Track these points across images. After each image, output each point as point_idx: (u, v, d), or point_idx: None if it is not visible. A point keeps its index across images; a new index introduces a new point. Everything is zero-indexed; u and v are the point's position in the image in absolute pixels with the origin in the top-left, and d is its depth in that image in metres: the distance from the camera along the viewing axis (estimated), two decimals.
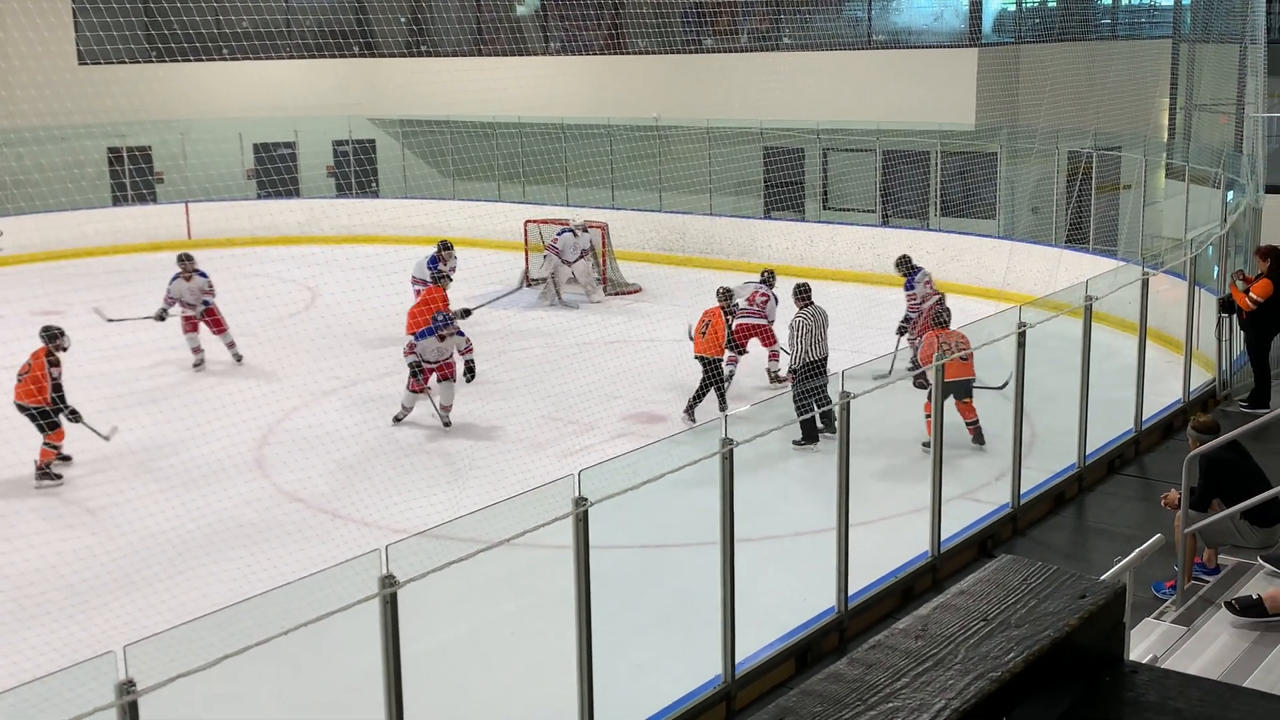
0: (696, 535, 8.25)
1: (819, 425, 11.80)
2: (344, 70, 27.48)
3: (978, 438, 11.68)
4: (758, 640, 7.35)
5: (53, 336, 12.14)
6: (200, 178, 25.58)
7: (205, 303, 16.13)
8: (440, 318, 13.36)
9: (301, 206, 26.27)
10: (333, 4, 29.34)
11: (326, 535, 10.09)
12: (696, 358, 13.26)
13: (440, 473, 11.72)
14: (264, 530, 10.34)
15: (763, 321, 14.64)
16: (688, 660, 7.30)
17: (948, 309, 12.59)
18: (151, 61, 26.64)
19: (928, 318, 12.95)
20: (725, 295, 13.78)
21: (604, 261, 20.28)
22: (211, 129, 26.49)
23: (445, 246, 17.72)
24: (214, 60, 26.50)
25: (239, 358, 16.10)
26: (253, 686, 7.02)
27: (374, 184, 28.05)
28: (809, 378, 12.00)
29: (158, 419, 13.08)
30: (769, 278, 15.16)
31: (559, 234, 19.85)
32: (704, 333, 13.21)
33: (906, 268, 14.91)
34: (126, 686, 4.27)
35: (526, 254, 20.92)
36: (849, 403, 7.68)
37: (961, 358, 10.92)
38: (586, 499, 5.90)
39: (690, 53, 24.45)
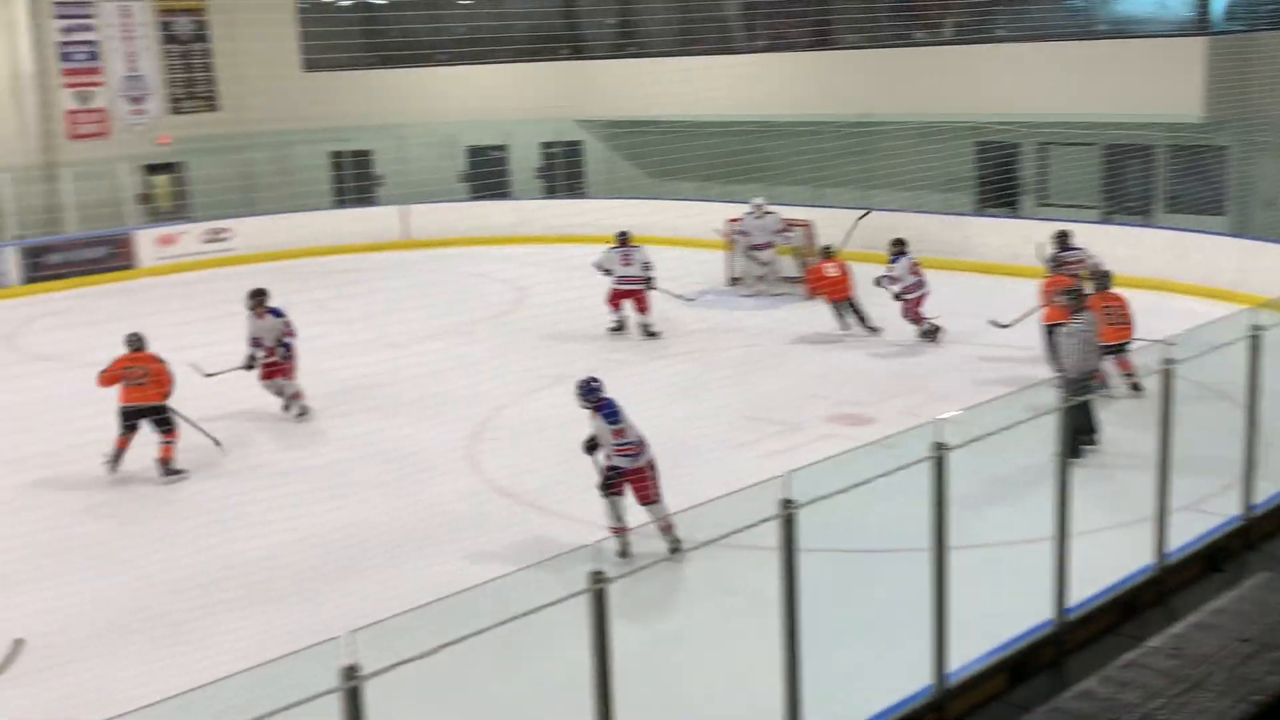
0: (904, 540, 8.10)
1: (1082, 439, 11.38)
2: (553, 74, 28.01)
3: (1136, 389, 12.78)
4: (968, 651, 7.16)
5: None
6: (417, 180, 26.50)
7: (286, 344, 14.24)
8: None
9: (512, 208, 26.89)
10: (543, 9, 29.95)
11: (534, 530, 10.31)
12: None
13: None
14: (475, 523, 10.63)
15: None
16: (896, 668, 7.17)
17: (1107, 273, 13.60)
18: (372, 68, 27.73)
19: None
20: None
21: (808, 260, 20.13)
22: (428, 133, 27.38)
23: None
24: (431, 66, 27.40)
25: (301, 411, 14.06)
26: (465, 677, 7.20)
27: (581, 185, 28.54)
28: (1079, 390, 11.50)
29: (374, 414, 13.60)
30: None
31: (745, 214, 20.09)
32: None
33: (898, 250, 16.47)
34: (350, 672, 4.44)
35: (732, 254, 20.93)
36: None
37: (1115, 323, 12.73)
38: (793, 501, 5.85)
39: (900, 46, 24.05)
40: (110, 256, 23.98)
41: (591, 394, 9.72)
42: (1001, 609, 8.04)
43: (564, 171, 28.53)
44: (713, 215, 21.87)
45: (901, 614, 7.87)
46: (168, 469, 11.99)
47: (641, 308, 17.28)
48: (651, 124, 26.24)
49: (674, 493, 10.65)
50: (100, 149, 25.54)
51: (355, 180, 27.57)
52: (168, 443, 12.05)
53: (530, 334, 17.43)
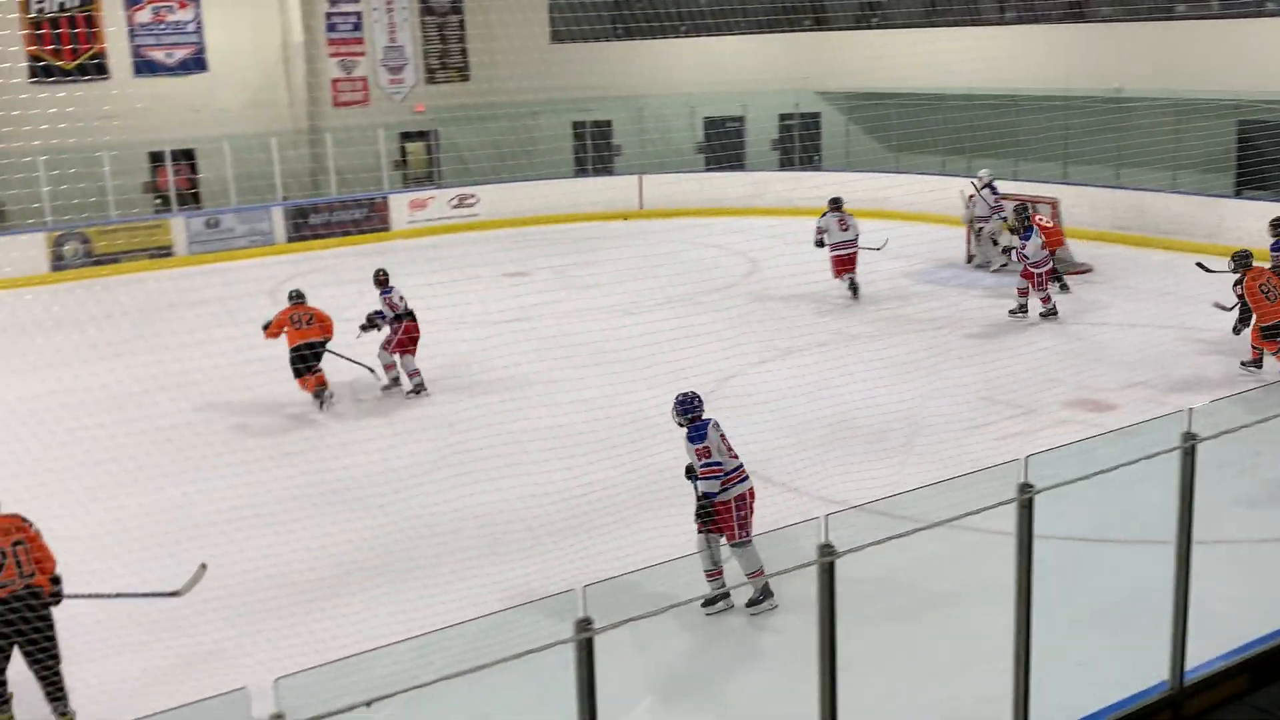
0: (1144, 532, 7.75)
1: None
2: (794, 45, 27.77)
3: None
4: (1207, 649, 6.81)
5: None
6: (654, 151, 26.75)
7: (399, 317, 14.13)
8: None
9: (746, 179, 26.85)
10: None
11: (759, 499, 10.30)
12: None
13: (868, 448, 11.64)
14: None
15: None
16: (1130, 662, 6.89)
17: None
18: (615, 40, 28.06)
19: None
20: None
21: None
22: (666, 104, 27.58)
23: None
24: (671, 38, 27.55)
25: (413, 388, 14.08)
26: (693, 638, 7.28)
27: (817, 157, 28.24)
28: None
29: (606, 378, 13.82)
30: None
31: (980, 187, 19.57)
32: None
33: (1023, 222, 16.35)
34: (584, 624, 4.55)
35: (969, 231, 20.38)
36: None
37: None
38: (1032, 485, 5.67)
39: (1159, 20, 22.84)
40: (366, 218, 25.12)
41: (684, 410, 8.73)
42: (1244, 609, 7.62)
43: (800, 143, 28.29)
44: (954, 189, 21.31)
45: (1138, 607, 7.56)
46: (318, 395, 13.50)
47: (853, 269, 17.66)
48: (893, 96, 25.72)
49: (907, 471, 10.51)
50: (360, 116, 26.75)
51: (595, 150, 28.02)
52: (319, 372, 13.55)
53: (761, 306, 17.40)
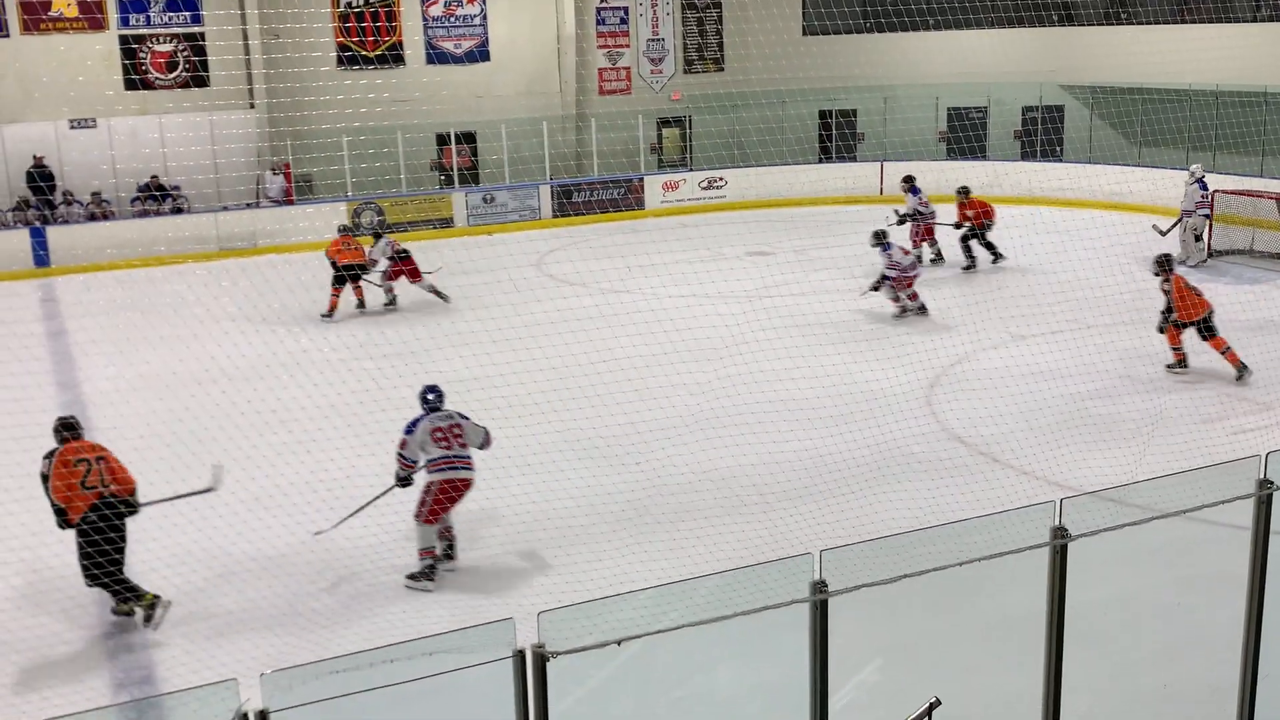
0: None
1: None
2: (1040, 38, 26.63)
3: None
4: None
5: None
6: (896, 140, 26.16)
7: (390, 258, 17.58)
8: None
9: (986, 168, 25.93)
10: None
11: (989, 478, 10.03)
12: None
13: (1100, 436, 11.14)
14: (930, 465, 10.50)
15: None
16: None
17: None
18: (865, 32, 27.56)
19: None
20: None
21: None
22: (911, 94, 26.92)
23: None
24: (919, 30, 26.85)
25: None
26: (922, 610, 7.15)
27: (1058, 148, 27.06)
28: None
29: (841, 353, 13.66)
30: None
31: (1191, 182, 18.64)
32: None
33: None
34: (819, 586, 4.54)
35: (1211, 224, 19.15)
36: None
37: None
38: (1272, 481, 5.32)
39: None
40: (624, 197, 25.54)
41: (422, 399, 9.15)
42: None
43: (1043, 135, 27.14)
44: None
45: None
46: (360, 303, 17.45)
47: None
48: (1139, 91, 24.36)
49: (1143, 461, 10.03)
50: (622, 103, 27.18)
51: (840, 137, 27.63)
52: (359, 287, 17.51)
53: (996, 292, 16.84)
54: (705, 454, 10.65)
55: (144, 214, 22.63)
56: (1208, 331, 12.62)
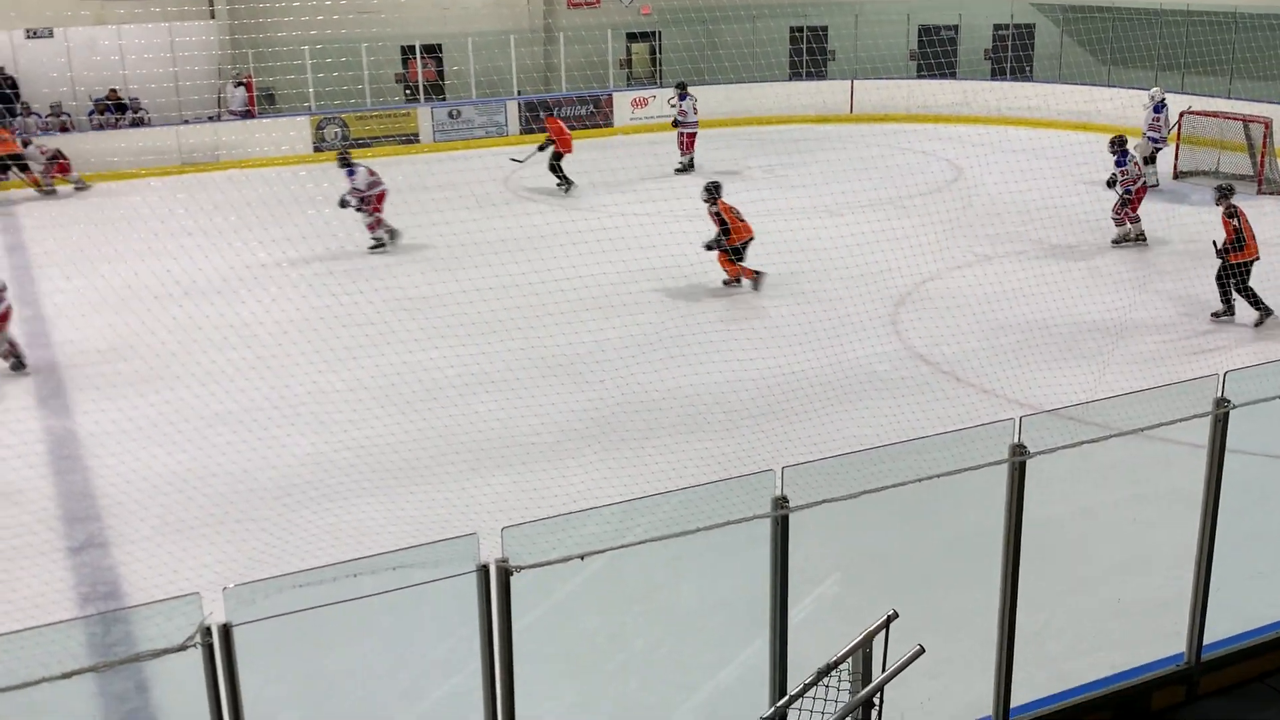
0: None
1: None
2: None
3: None
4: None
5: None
6: (867, 57, 25.93)
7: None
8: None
9: (956, 88, 25.81)
10: None
11: (951, 396, 10.12)
12: None
13: (1060, 356, 11.24)
14: (894, 384, 10.57)
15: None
16: None
17: None
18: None
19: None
20: None
21: (1263, 159, 18.12)
22: (882, 10, 26.65)
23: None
24: None
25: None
26: (882, 526, 7.23)
27: (1028, 68, 26.92)
28: None
29: (808, 275, 13.67)
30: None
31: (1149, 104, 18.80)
32: None
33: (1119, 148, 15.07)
34: (780, 502, 4.58)
35: (1178, 146, 19.18)
36: None
37: None
38: (1229, 400, 5.39)
39: None
40: (592, 114, 25.23)
41: None
42: None
43: (1013, 54, 26.98)
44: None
45: None
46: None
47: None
48: (1109, 10, 24.21)
49: (1103, 380, 10.13)
50: (590, 17, 26.70)
51: (810, 54, 27.34)
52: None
53: (963, 212, 16.83)
54: (670, 373, 10.67)
55: (103, 127, 22.17)
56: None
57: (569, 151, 19.38)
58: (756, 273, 13.60)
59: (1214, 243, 12.27)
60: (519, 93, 25.10)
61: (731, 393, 10.29)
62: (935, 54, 26.03)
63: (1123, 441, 5.57)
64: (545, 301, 12.61)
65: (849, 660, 4.34)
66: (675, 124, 21.34)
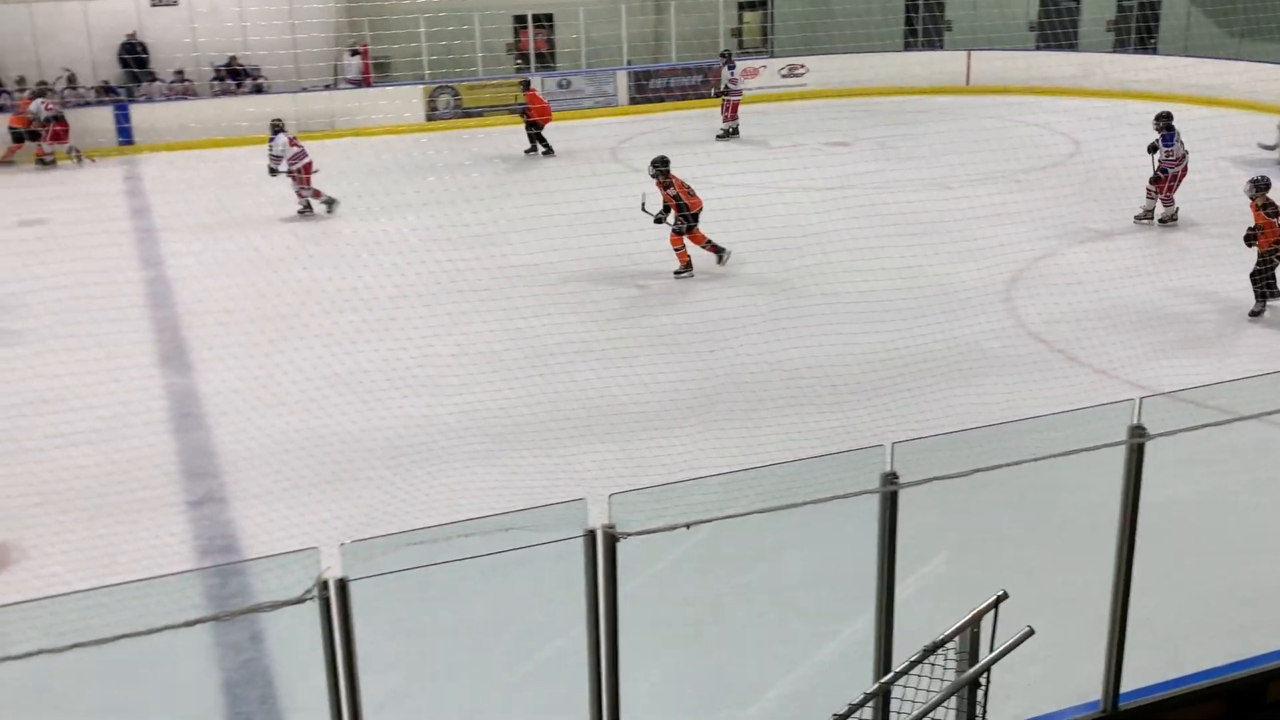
0: None
1: None
2: None
3: None
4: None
5: None
6: (986, 27, 25.34)
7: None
8: None
9: (1076, 60, 25.10)
10: None
11: (1065, 376, 9.90)
12: None
13: (1181, 337, 10.91)
14: (1006, 362, 10.37)
15: None
16: None
17: None
18: None
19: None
20: None
21: None
22: None
23: None
24: None
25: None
26: (993, 505, 7.13)
27: (1153, 41, 26.04)
28: None
29: (918, 249, 13.45)
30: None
31: None
32: None
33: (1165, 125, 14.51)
34: (890, 478, 4.53)
35: None
36: None
37: None
38: None
39: None
40: (701, 84, 25.11)
41: None
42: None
43: (1137, 25, 26.11)
44: None
45: None
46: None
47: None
48: None
49: (1224, 364, 9.82)
50: None
51: (926, 24, 26.82)
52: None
53: (1081, 188, 16.41)
54: (778, 346, 10.61)
55: (224, 93, 22.75)
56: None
57: (548, 121, 20.40)
58: (719, 248, 13.35)
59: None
60: (628, 63, 25.08)
61: (840, 368, 10.18)
62: (1057, 25, 25.31)
63: (1244, 426, 5.40)
64: (650, 271, 12.64)
65: (956, 639, 4.30)
66: (726, 91, 21.39)
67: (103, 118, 21.37)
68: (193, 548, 7.73)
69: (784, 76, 25.57)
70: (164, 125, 21.40)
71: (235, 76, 22.99)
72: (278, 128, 16.53)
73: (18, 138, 20.31)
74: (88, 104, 21.71)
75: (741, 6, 27.15)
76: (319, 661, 4.11)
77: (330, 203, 16.37)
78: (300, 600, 3.90)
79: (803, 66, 25.47)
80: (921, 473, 4.69)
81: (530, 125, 20.29)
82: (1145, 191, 14.71)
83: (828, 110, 23.10)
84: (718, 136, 21.22)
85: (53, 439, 9.08)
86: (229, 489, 8.47)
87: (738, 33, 27.19)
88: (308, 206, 16.37)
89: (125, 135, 21.44)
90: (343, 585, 3.93)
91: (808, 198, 14.50)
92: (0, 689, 3.76)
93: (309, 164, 16.29)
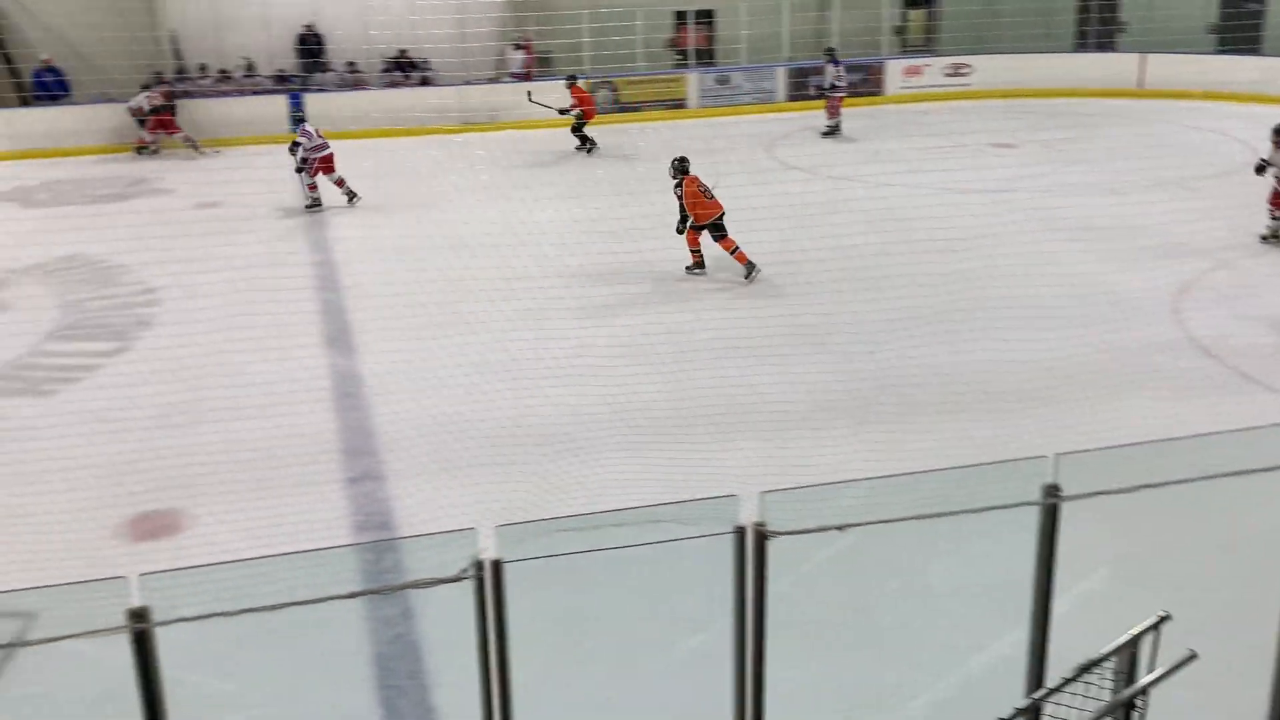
0: None
1: None
2: None
3: None
4: None
5: None
6: (1161, 29, 24.37)
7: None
8: None
9: (1258, 65, 23.93)
10: None
11: (1234, 395, 9.47)
12: None
13: None
14: (1172, 377, 9.97)
15: None
16: None
17: None
18: None
19: None
20: None
21: None
22: None
23: None
24: None
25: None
26: (1158, 524, 6.87)
27: None
28: None
29: (1086, 255, 13.04)
30: None
31: None
32: None
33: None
34: (1051, 490, 4.42)
35: None
36: None
37: None
38: None
39: None
40: (862, 82, 24.77)
41: None
42: None
43: None
44: None
45: None
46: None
47: None
48: None
49: None
50: None
51: (1099, 24, 25.92)
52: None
53: (1258, 196, 15.66)
54: (932, 350, 10.42)
55: (393, 85, 23.42)
56: None
57: (592, 117, 20.24)
58: (750, 264, 12.76)
59: None
60: (789, 59, 24.92)
61: (996, 375, 9.94)
62: (1239, 27, 24.18)
63: None
64: (802, 270, 12.54)
65: (1113, 659, 4.16)
66: (833, 88, 21.14)
67: (277, 106, 22.21)
68: (350, 523, 7.99)
69: (947, 76, 25.03)
70: (335, 114, 22.12)
71: (403, 68, 23.64)
72: (299, 119, 17.52)
73: (164, 127, 21.29)
74: (265, 92, 22.60)
75: (907, 3, 26.68)
76: (466, 641, 4.21)
77: (351, 195, 16.82)
78: (456, 579, 4.00)
79: (968, 66, 24.90)
80: (1082, 487, 4.55)
81: (577, 122, 20.22)
82: (1267, 211, 13.75)
83: (992, 111, 22.53)
84: (822, 134, 21.06)
85: (224, 412, 9.53)
86: (385, 468, 8.73)
87: (902, 30, 26.75)
88: (315, 202, 16.72)
89: (298, 124, 22.21)
90: (497, 566, 4.01)
91: (970, 200, 14.19)
92: (167, 647, 3.94)
93: (329, 156, 16.70)
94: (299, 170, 16.74)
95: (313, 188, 16.72)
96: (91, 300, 12.80)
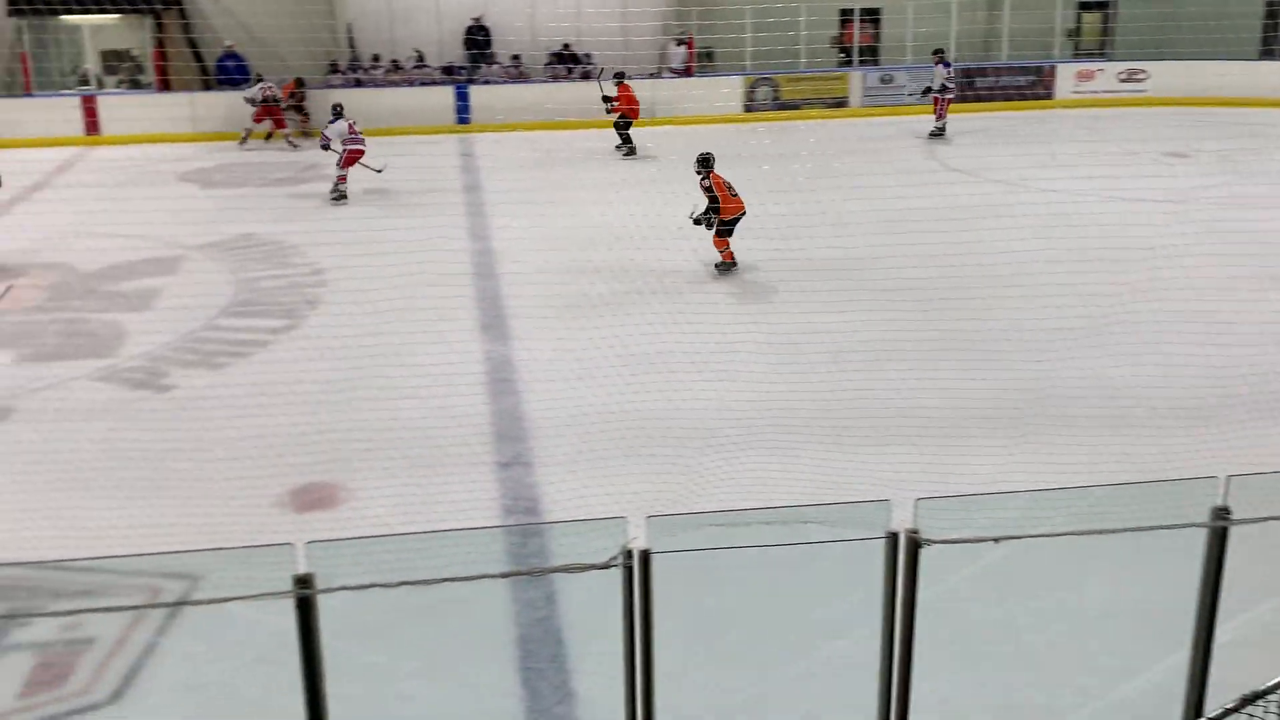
0: None
1: None
2: None
3: None
4: None
5: None
6: None
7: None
8: None
9: None
10: None
11: None
12: None
13: None
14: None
15: None
16: None
17: None
18: None
19: None
20: None
21: None
22: None
23: None
24: None
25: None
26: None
27: None
28: None
29: (1265, 272, 12.45)
30: None
31: None
32: None
33: None
34: (1220, 512, 4.24)
35: None
36: None
37: None
38: None
39: None
40: (1032, 85, 24.15)
41: None
42: None
43: None
44: None
45: None
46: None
47: None
48: None
49: None
50: None
51: None
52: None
53: None
54: (1094, 363, 10.10)
55: (555, 78, 23.76)
56: None
57: (636, 116, 20.11)
58: (730, 259, 12.87)
59: None
60: (956, 59, 24.42)
61: (1163, 392, 9.57)
62: None
63: None
64: (960, 275, 12.28)
65: (1279, 692, 3.98)
66: (943, 89, 20.88)
67: (444, 97, 22.77)
68: (498, 506, 8.15)
69: (1121, 81, 24.20)
70: (499, 106, 22.57)
71: (565, 62, 23.96)
72: (338, 113, 17.40)
73: (272, 119, 21.92)
74: (432, 83, 23.20)
75: (1081, 6, 25.87)
76: (608, 629, 4.26)
77: (340, 196, 17.04)
78: (606, 566, 4.06)
79: (1143, 71, 24.03)
80: (1251, 511, 4.36)
81: (620, 120, 20.11)
82: None
83: (1167, 118, 21.70)
84: (930, 135, 20.70)
85: (384, 391, 9.82)
86: (535, 454, 8.88)
87: (1075, 33, 25.95)
88: (342, 195, 16.91)
89: (463, 114, 22.75)
90: (645, 556, 4.05)
91: (1141, 209, 13.68)
92: (323, 615, 4.09)
93: (360, 152, 16.98)
94: (328, 149, 17.29)
95: (342, 179, 17.07)
96: (264, 279, 13.35)
